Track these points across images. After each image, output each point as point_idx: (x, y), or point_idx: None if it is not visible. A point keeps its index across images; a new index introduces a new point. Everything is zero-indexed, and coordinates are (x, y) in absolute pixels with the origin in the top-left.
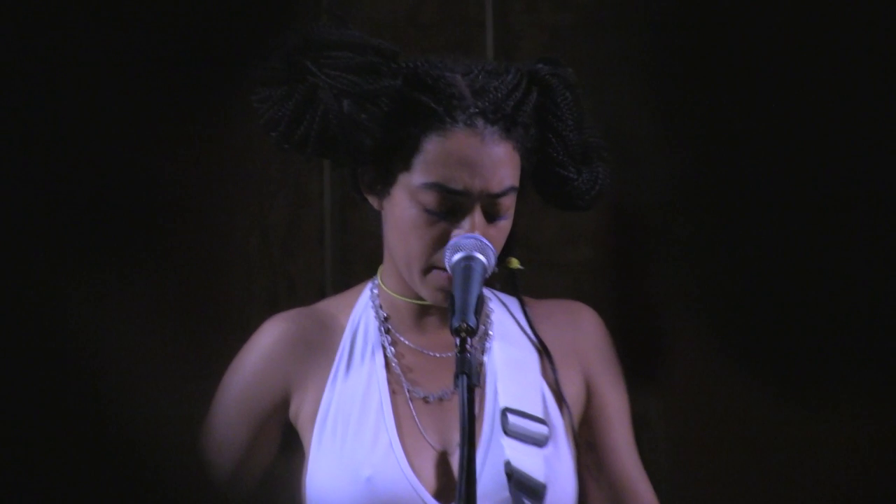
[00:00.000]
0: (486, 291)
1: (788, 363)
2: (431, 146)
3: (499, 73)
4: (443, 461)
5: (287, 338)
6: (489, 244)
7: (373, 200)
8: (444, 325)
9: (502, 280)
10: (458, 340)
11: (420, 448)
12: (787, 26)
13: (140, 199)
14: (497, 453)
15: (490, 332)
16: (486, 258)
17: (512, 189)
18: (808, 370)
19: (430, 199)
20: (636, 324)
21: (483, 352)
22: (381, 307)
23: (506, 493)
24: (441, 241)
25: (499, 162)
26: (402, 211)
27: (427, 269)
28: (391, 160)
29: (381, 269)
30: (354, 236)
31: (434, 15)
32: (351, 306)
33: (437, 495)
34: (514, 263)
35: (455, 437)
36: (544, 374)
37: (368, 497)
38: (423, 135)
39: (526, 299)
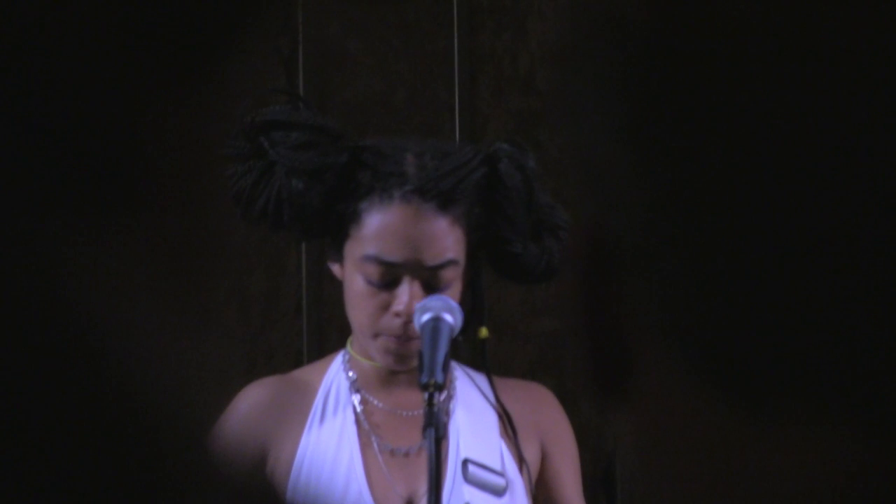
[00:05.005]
0: (452, 363)
1: (749, 384)
2: (370, 220)
3: (450, 154)
4: None
5: (262, 402)
6: (456, 305)
7: (335, 270)
8: (411, 385)
9: (471, 348)
10: (426, 395)
11: (388, 496)
12: (745, 59)
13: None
14: (458, 498)
15: (453, 397)
16: (453, 318)
17: (450, 262)
18: (767, 391)
19: (370, 270)
20: (608, 347)
21: (447, 412)
22: (350, 371)
23: None
24: (383, 310)
25: (434, 237)
26: (350, 282)
27: (375, 335)
28: (339, 232)
29: (350, 338)
30: (330, 308)
31: (406, 98)
32: (324, 372)
33: None
34: (484, 333)
35: (420, 487)
36: (503, 437)
37: None
38: (364, 209)
39: (495, 378)
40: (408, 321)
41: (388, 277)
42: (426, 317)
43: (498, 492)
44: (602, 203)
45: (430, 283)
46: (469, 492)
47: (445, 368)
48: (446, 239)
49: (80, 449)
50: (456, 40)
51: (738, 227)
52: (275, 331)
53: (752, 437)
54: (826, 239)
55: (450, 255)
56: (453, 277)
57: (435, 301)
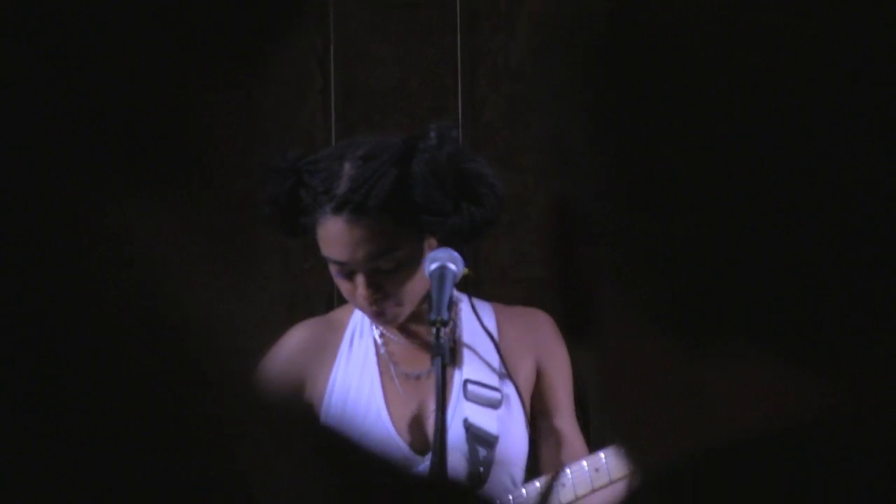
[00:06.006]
0: (460, 295)
1: (697, 327)
2: (318, 229)
3: (375, 156)
4: (419, 423)
5: (304, 340)
6: (458, 255)
7: None
8: (421, 320)
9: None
10: (434, 330)
11: (402, 414)
12: (686, 54)
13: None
14: (460, 414)
15: (458, 325)
16: (455, 266)
17: (384, 252)
18: (714, 331)
19: (331, 266)
20: (575, 297)
21: (453, 339)
22: None
23: (466, 445)
24: (352, 296)
25: (363, 238)
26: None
27: (360, 308)
28: (312, 235)
29: None
30: None
31: (418, 86)
32: (352, 312)
33: (415, 449)
34: (465, 272)
35: (430, 405)
36: (501, 357)
37: None
38: (315, 221)
39: (497, 305)
40: (371, 303)
41: (344, 271)
42: (433, 266)
43: (494, 405)
44: (569, 174)
45: (379, 270)
46: (469, 407)
47: (450, 307)
48: (375, 236)
49: (149, 381)
50: (459, 39)
51: (685, 192)
52: (310, 277)
53: (700, 373)
54: (762, 200)
55: (383, 246)
56: (397, 260)
57: (441, 252)
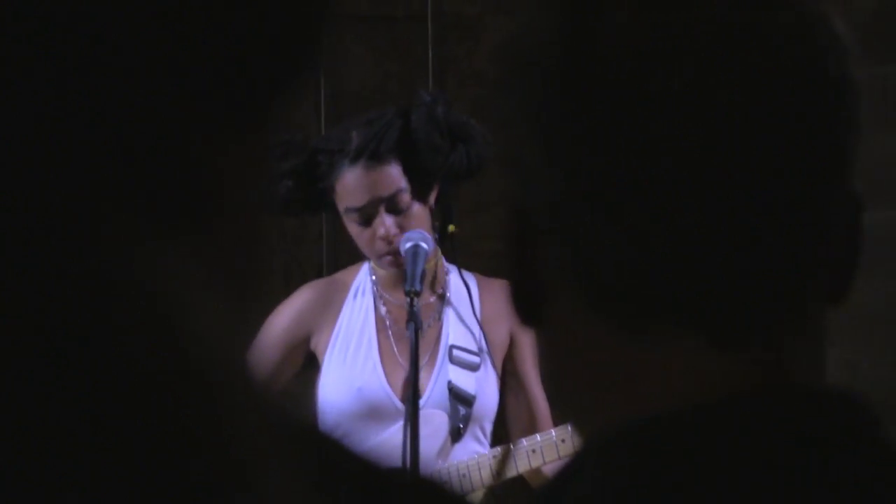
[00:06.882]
0: (450, 266)
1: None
2: (338, 186)
3: (377, 119)
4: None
5: (310, 298)
6: (429, 236)
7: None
8: None
9: (447, 242)
10: (408, 300)
11: (395, 368)
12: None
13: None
14: (444, 376)
15: (447, 293)
16: (427, 244)
17: (400, 190)
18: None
19: (350, 218)
20: (527, 286)
21: (443, 307)
22: (373, 275)
23: (448, 403)
24: (371, 243)
25: (379, 179)
26: (348, 229)
27: (378, 258)
28: (331, 200)
29: None
30: (341, 235)
31: (396, 89)
32: (355, 274)
33: (404, 401)
34: (451, 228)
35: (422, 361)
36: (481, 323)
37: (358, 402)
38: (333, 180)
39: (479, 276)
40: (391, 241)
41: (363, 217)
42: (408, 245)
43: (473, 368)
44: (524, 180)
45: (395, 210)
46: (453, 370)
47: (422, 280)
48: (389, 177)
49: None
50: (430, 48)
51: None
52: (303, 249)
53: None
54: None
55: (397, 186)
56: (409, 200)
57: (414, 234)
